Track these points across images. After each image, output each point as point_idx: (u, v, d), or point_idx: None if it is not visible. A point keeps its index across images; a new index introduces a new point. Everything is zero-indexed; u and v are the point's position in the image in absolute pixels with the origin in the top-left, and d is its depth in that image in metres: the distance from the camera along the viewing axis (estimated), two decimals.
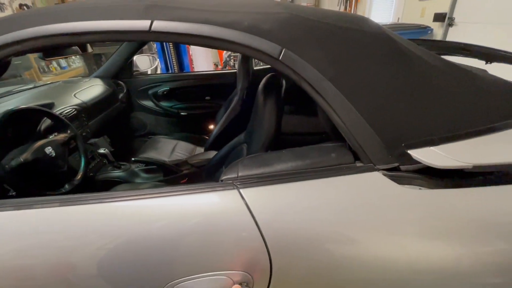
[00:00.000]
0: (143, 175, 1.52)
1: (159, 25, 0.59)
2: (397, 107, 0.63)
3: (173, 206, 0.62)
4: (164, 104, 2.11)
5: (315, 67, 0.61)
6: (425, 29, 3.06)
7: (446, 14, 2.91)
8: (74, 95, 1.57)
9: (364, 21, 0.69)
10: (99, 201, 0.60)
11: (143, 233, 0.60)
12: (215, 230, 0.60)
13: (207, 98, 2.11)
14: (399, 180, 0.61)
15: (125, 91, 1.98)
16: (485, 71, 1.15)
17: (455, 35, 2.80)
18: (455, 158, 0.57)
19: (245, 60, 1.51)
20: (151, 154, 1.86)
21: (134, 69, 2.17)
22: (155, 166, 1.52)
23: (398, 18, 3.91)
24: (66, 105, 1.42)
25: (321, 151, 0.67)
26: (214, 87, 2.09)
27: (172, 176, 1.46)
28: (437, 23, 3.05)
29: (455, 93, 0.67)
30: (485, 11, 2.50)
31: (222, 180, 0.66)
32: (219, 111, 1.89)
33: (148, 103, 2.11)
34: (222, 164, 1.22)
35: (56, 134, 1.15)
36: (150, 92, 2.08)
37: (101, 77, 1.95)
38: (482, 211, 0.60)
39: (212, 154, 1.42)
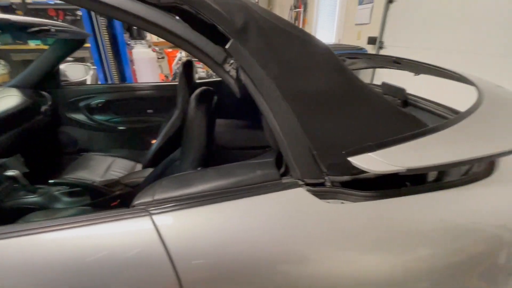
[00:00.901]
0: (65, 199, 1.31)
1: None
2: (335, 116, 0.64)
3: (73, 240, 0.52)
4: (99, 117, 1.90)
5: (260, 64, 0.59)
6: (361, 50, 3.40)
7: (377, 38, 3.28)
8: None
9: (312, 35, 0.71)
10: None
11: (34, 276, 0.48)
12: (121, 265, 0.51)
13: (150, 111, 1.97)
14: (322, 195, 0.60)
15: (49, 103, 1.74)
16: (404, 89, 1.28)
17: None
18: (391, 163, 0.58)
19: (187, 71, 1.45)
20: (81, 174, 1.64)
21: (64, 79, 1.94)
22: (80, 188, 1.33)
23: (339, 39, 4.29)
24: None
25: (247, 168, 0.64)
26: (157, 99, 1.97)
27: (101, 199, 1.29)
28: (371, 46, 3.42)
29: (378, 107, 0.71)
30: (408, 37, 2.88)
31: (134, 206, 0.57)
32: (162, 125, 1.77)
33: (80, 117, 1.88)
34: None
35: None
36: (82, 104, 1.86)
37: (18, 86, 1.68)
38: (405, 220, 0.62)
39: (148, 172, 1.30)
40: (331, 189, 0.62)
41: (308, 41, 0.67)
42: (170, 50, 4.81)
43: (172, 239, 0.52)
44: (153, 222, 0.53)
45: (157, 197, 0.58)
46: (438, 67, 1.11)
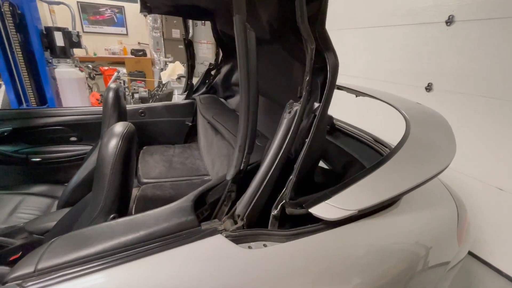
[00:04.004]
0: None
1: None
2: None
3: None
4: (3, 148, 1.59)
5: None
6: None
7: None
8: None
9: None
10: None
11: None
12: None
13: (73, 139, 1.74)
14: (242, 240, 0.57)
15: None
16: (331, 116, 1.38)
17: None
18: (345, 208, 0.62)
19: (114, 96, 1.32)
20: None
21: None
22: None
23: None
24: None
25: (160, 217, 0.58)
26: (82, 126, 1.75)
27: None
28: None
29: None
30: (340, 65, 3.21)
31: (7, 281, 0.45)
32: (87, 155, 1.57)
33: None
34: (72, 229, 0.95)
35: None
36: None
37: None
38: (327, 254, 0.63)
39: (63, 213, 1.11)
40: (252, 231, 0.59)
41: None
42: (106, 68, 4.46)
43: None
44: None
45: (41, 265, 0.47)
46: (365, 93, 1.24)
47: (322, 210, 0.63)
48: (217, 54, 1.79)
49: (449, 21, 1.83)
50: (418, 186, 0.75)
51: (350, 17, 2.85)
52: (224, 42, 1.65)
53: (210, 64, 1.78)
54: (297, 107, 0.65)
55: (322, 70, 0.67)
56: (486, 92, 1.69)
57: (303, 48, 0.65)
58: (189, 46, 1.71)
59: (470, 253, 1.84)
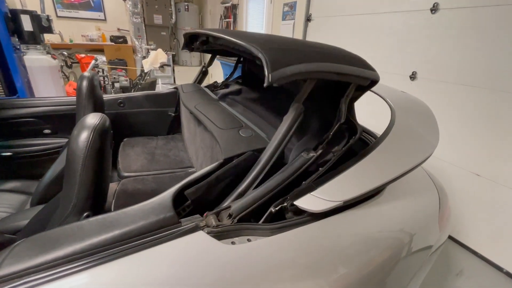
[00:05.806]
0: None
1: None
2: None
3: None
4: None
5: None
6: None
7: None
8: None
9: None
10: None
11: None
12: None
13: (47, 131, 1.63)
14: (225, 235, 0.55)
15: None
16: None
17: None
18: (330, 199, 0.62)
19: (89, 85, 1.24)
20: None
21: None
22: None
23: None
24: None
25: (137, 215, 0.54)
26: (57, 117, 1.65)
27: None
28: None
29: None
30: None
31: None
32: (63, 148, 1.48)
33: None
34: (45, 228, 0.90)
35: None
36: None
37: None
38: (313, 246, 0.62)
39: (37, 211, 1.05)
40: (236, 226, 0.57)
41: None
42: (83, 55, 4.21)
43: None
44: None
45: (3, 272, 0.43)
46: None
47: (307, 202, 0.62)
48: (227, 78, 1.87)
49: (434, 9, 1.83)
50: (402, 176, 0.75)
51: (337, 4, 2.80)
52: (246, 74, 1.77)
53: (216, 82, 1.82)
54: (313, 154, 0.73)
55: (348, 129, 0.83)
56: (468, 81, 1.72)
57: (330, 113, 0.78)
58: (205, 74, 1.81)
59: (448, 236, 1.92)
